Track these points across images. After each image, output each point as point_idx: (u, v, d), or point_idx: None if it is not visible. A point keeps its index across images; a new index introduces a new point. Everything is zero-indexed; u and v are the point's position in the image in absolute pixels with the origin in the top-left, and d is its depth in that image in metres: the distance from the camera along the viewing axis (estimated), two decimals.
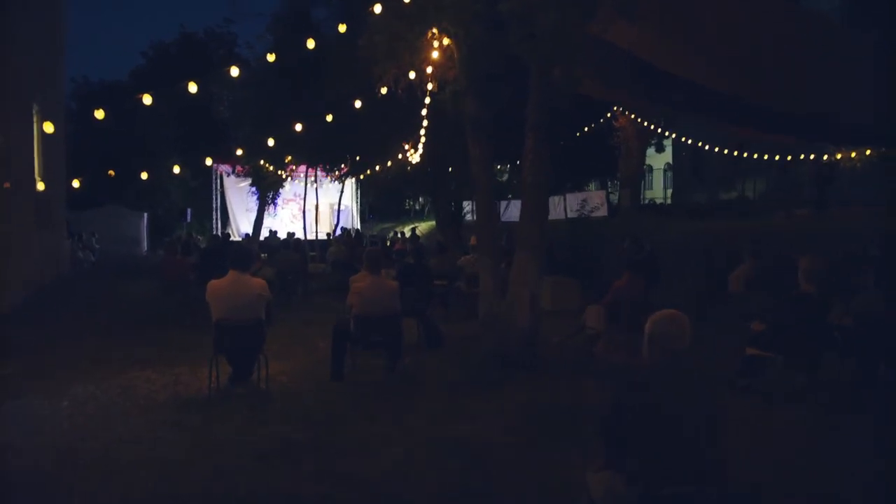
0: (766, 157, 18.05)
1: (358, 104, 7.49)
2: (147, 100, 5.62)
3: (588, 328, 6.61)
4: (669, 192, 40.32)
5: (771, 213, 20.21)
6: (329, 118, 7.82)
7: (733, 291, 9.69)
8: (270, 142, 8.16)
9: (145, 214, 30.31)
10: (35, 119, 14.13)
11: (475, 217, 6.91)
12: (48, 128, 6.04)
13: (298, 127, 7.86)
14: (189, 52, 35.55)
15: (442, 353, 7.58)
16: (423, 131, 10.13)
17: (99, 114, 5.23)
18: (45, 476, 4.24)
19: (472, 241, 10.52)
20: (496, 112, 7.09)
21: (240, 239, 26.83)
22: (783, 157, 18.29)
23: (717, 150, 20.35)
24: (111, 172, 10.62)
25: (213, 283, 5.61)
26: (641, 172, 26.12)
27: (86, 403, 5.76)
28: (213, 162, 27.53)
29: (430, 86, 8.37)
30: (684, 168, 39.25)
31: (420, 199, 42.98)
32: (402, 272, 7.53)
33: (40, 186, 14.12)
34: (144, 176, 7.61)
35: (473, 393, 5.98)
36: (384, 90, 7.59)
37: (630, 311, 6.29)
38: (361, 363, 6.79)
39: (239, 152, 8.17)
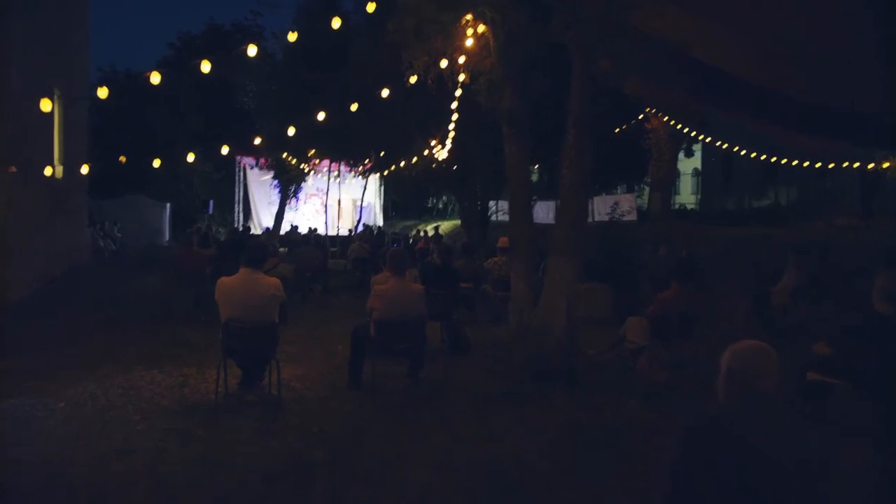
0: (805, 163, 17.32)
1: (385, 93, 7.00)
2: (155, 78, 5.18)
3: (629, 341, 6.06)
4: (697, 197, 39.46)
5: (809, 221, 19.44)
6: (354, 107, 7.34)
7: (778, 303, 9.08)
8: (291, 131, 7.68)
9: (168, 205, 30.17)
10: (56, 104, 13.87)
11: (509, 218, 6.37)
12: (45, 105, 5.57)
13: (322, 115, 7.39)
14: (216, 43, 35.45)
15: (469, 361, 7.07)
16: (451, 125, 9.62)
17: (102, 92, 4.80)
18: (23, 497, 3.79)
19: (501, 242, 9.97)
20: (533, 106, 6.56)
21: (261, 232, 26.61)
22: (825, 164, 17.56)
23: (752, 155, 19.60)
24: (122, 159, 10.21)
25: (224, 281, 5.16)
26: (673, 177, 25.29)
27: (83, 406, 5.34)
28: (234, 153, 27.39)
29: (461, 76, 7.86)
30: (714, 174, 38.40)
31: (443, 198, 42.47)
32: (427, 274, 7.03)
33: (58, 173, 13.87)
34: (157, 163, 7.16)
35: (505, 408, 5.46)
36: (413, 79, 7.09)
37: (677, 325, 5.74)
38: (382, 370, 6.30)
39: (257, 140, 7.70)
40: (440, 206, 43.75)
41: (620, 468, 4.42)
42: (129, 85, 34.02)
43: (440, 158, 12.49)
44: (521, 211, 6.30)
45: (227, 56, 18.35)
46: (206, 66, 5.33)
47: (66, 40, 14.87)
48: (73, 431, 4.74)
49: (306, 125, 15.05)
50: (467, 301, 8.97)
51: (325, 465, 4.32)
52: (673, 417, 5.35)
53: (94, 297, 11.55)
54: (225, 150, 7.18)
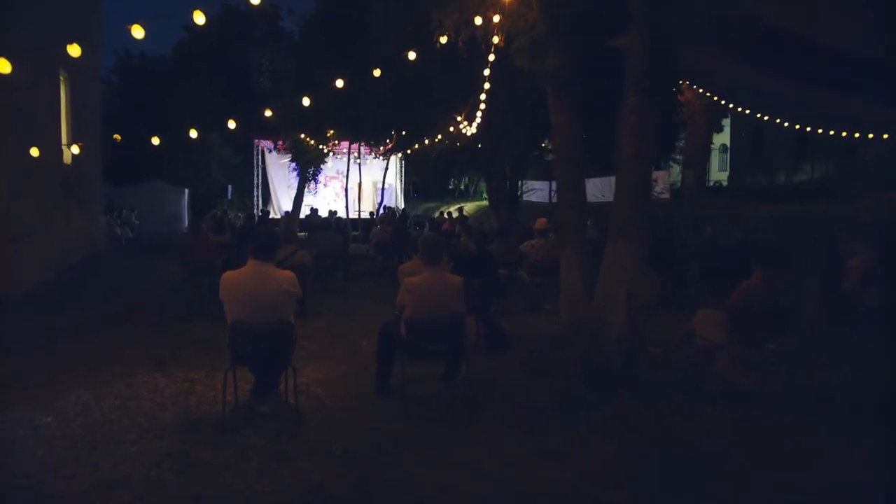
0: (843, 133, 16.25)
1: (411, 55, 6.15)
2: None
3: (701, 339, 5.21)
4: (725, 174, 38.16)
5: (853, 196, 18.29)
6: (377, 72, 6.51)
7: (848, 288, 8.11)
8: (306, 101, 6.86)
9: (186, 191, 29.63)
10: (62, 87, 13.21)
11: (557, 198, 5.51)
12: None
13: (340, 83, 6.56)
14: (232, 25, 34.74)
15: (510, 360, 6.26)
16: (482, 96, 8.74)
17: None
18: None
19: (538, 224, 9.11)
20: (582, 67, 5.66)
21: (280, 216, 25.96)
22: (864, 133, 16.51)
23: (786, 125, 18.45)
24: (117, 137, 9.49)
25: (229, 276, 4.38)
26: (708, 152, 24.10)
27: (74, 420, 4.63)
28: (252, 135, 26.73)
29: (495, 39, 6.97)
30: (744, 149, 37.04)
31: (465, 179, 41.50)
32: (460, 261, 6.20)
33: (66, 158, 13.24)
34: (156, 141, 6.39)
35: (561, 421, 4.65)
36: (443, 39, 6.23)
37: (762, 319, 4.86)
38: (413, 371, 5.50)
39: (268, 113, 6.90)
40: (462, 187, 42.81)
41: (710, 497, 3.62)
42: (144, 69, 33.56)
43: (468, 135, 11.59)
44: (572, 190, 5.42)
45: (249, 46, 17.71)
46: (199, 18, 4.51)
47: (73, 21, 14.14)
48: (55, 456, 4.02)
49: (324, 102, 14.29)
50: (501, 288, 8.14)
51: (348, 495, 3.57)
52: (764, 430, 4.51)
53: (104, 287, 10.93)
54: (232, 124, 6.37)
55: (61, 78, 12.99)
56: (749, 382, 4.79)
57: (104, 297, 9.88)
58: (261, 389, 5.08)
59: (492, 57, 7.33)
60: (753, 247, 6.11)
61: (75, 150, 5.67)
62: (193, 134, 6.25)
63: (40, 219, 11.11)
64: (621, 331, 4.98)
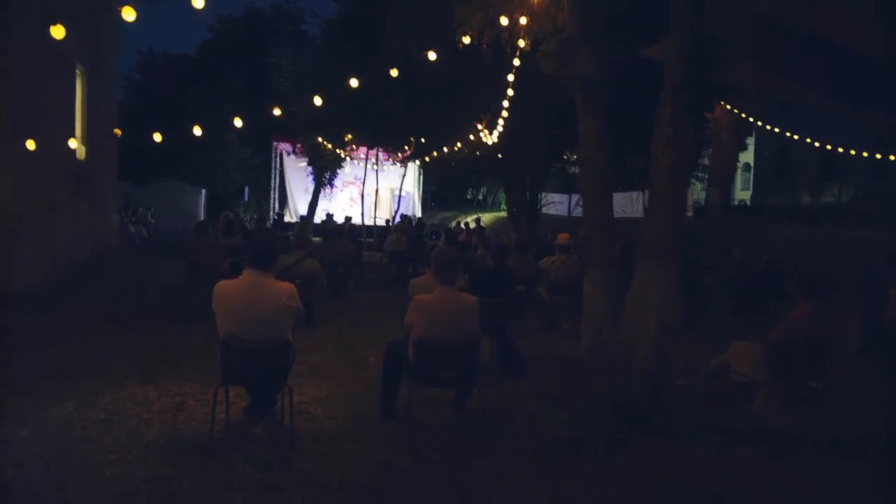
0: (876, 155, 15.74)
1: (432, 55, 5.78)
2: (129, 15, 4.05)
3: (736, 373, 4.75)
4: (748, 193, 37.53)
5: (885, 218, 17.68)
6: (394, 72, 6.14)
7: (892, 318, 7.58)
8: (318, 100, 6.52)
9: (203, 191, 29.55)
10: (78, 81, 13.02)
11: (583, 212, 5.09)
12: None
13: (355, 83, 6.20)
14: (255, 26, 34.79)
15: (526, 385, 5.83)
16: (505, 102, 8.35)
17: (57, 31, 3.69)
18: None
19: (560, 239, 8.69)
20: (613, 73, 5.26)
21: (295, 220, 25.72)
22: (888, 154, 16.01)
23: (816, 144, 17.91)
24: (117, 131, 9.21)
25: (223, 287, 4.00)
26: (733, 170, 23.51)
27: (50, 437, 4.27)
28: (271, 138, 26.56)
29: (521, 43, 6.58)
30: (768, 168, 36.41)
31: (482, 189, 41.14)
32: (477, 277, 5.80)
33: (80, 153, 13.03)
34: (158, 138, 6.07)
35: (579, 459, 4.21)
36: (467, 40, 5.86)
37: (808, 355, 4.40)
38: (420, 394, 5.09)
39: (277, 112, 6.55)
40: (480, 197, 42.43)
41: None
42: (168, 67, 33.62)
43: (489, 144, 11.19)
44: (599, 202, 5.00)
45: (272, 47, 17.52)
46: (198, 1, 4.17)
47: (90, 13, 13.96)
48: (24, 480, 3.66)
49: (343, 105, 13.99)
50: (519, 307, 7.72)
51: None
52: (806, 477, 4.04)
53: (109, 287, 10.64)
54: (238, 122, 6.04)
55: (77, 72, 12.79)
56: (789, 424, 4.32)
57: (106, 297, 9.57)
58: (255, 408, 4.71)
59: (517, 62, 6.94)
60: (801, 274, 5.62)
61: (72, 143, 5.35)
62: (198, 132, 5.90)
63: (47, 215, 10.87)
64: (649, 361, 4.54)
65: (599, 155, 5.03)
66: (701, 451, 4.41)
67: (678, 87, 4.56)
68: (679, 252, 4.72)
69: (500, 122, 9.00)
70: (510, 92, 7.91)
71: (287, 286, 4.06)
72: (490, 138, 11.11)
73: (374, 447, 4.37)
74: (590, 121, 5.05)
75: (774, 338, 4.50)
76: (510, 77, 7.49)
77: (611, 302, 4.85)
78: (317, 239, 20.30)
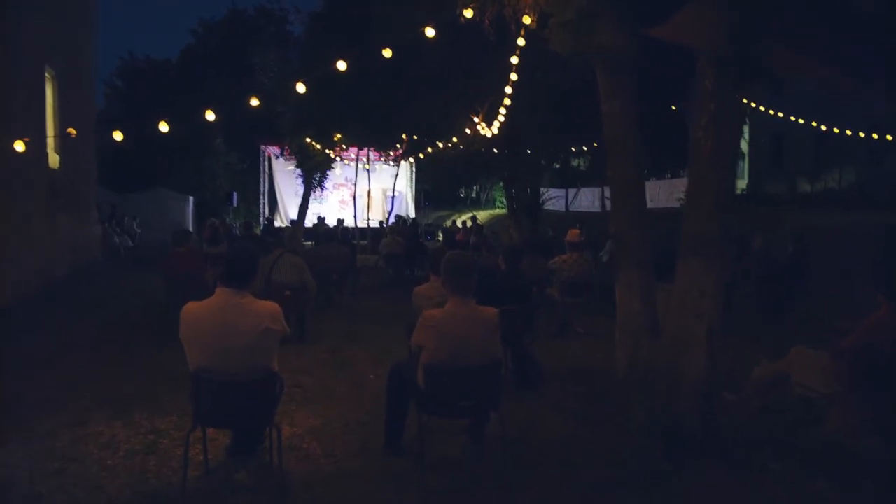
0: (874, 135, 15.31)
1: (430, 32, 5.09)
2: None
3: (799, 385, 4.09)
4: (743, 181, 37.12)
5: (889, 206, 17.16)
6: (387, 53, 5.45)
7: None
8: (301, 88, 5.82)
9: (190, 198, 28.73)
10: (48, 86, 12.25)
11: (611, 205, 4.41)
12: None
13: (342, 65, 5.51)
14: (238, 29, 34.05)
15: (548, 402, 5.15)
16: (508, 89, 7.65)
17: None
18: None
19: (570, 235, 8.02)
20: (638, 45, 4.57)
21: (286, 225, 24.95)
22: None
23: (813, 123, 17.37)
24: (71, 131, 8.47)
25: (191, 310, 3.28)
26: (738, 158, 22.83)
27: None
28: (259, 141, 25.80)
29: (526, 19, 5.89)
30: (763, 155, 35.94)
31: (475, 187, 40.48)
32: (489, 284, 5.10)
33: (53, 162, 12.27)
34: (118, 137, 5.35)
35: (624, 496, 3.53)
36: (468, 13, 5.18)
37: (893, 365, 3.73)
38: (431, 422, 4.40)
39: (254, 102, 5.84)
40: (473, 194, 41.74)
41: None
42: (149, 73, 32.76)
43: (488, 136, 10.50)
44: (631, 193, 4.31)
45: (255, 50, 16.81)
46: None
47: (62, 17, 13.19)
48: None
49: (331, 101, 13.27)
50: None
51: None
52: None
53: (86, 303, 9.89)
54: (209, 115, 5.32)
55: (47, 75, 12.02)
56: (871, 448, 3.65)
57: (81, 314, 8.84)
58: (238, 449, 4.00)
59: (521, 41, 6.26)
60: (877, 269, 4.95)
61: (18, 145, 4.64)
62: (164, 128, 5.19)
63: (20, 228, 10.12)
64: (700, 377, 3.87)
65: (628, 138, 4.34)
66: (764, 481, 3.73)
67: (720, 56, 3.88)
68: (726, 247, 4.06)
69: (503, 110, 8.30)
70: (513, 76, 7.22)
71: (269, 306, 3.35)
72: (488, 130, 10.41)
73: (381, 489, 3.69)
74: (615, 101, 4.37)
75: (850, 345, 3.84)
76: (514, 59, 6.80)
77: (648, 308, 4.18)
78: (308, 243, 19.58)
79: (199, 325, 3.23)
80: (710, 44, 4.00)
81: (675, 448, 3.77)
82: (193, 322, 3.24)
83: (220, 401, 3.30)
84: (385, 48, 5.83)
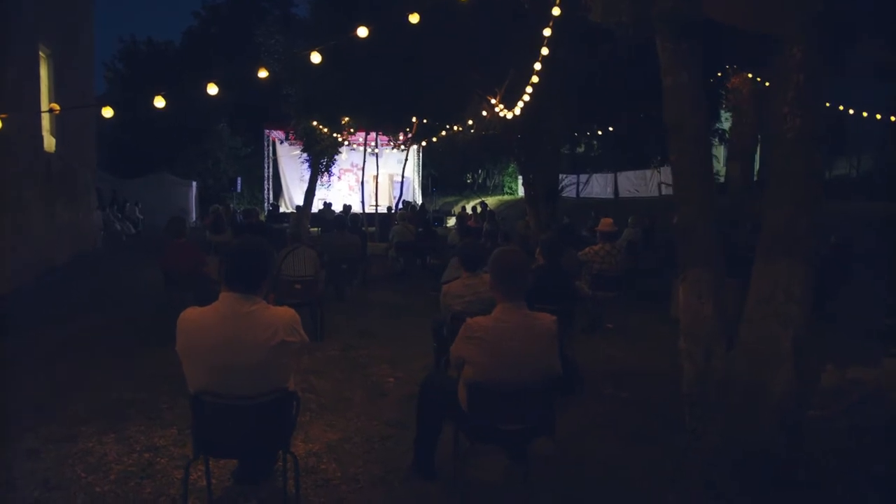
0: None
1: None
2: None
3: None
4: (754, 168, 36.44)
5: None
6: (414, 18, 4.86)
7: None
8: (317, 58, 5.22)
9: (194, 183, 28.18)
10: (42, 64, 11.65)
11: (674, 191, 3.83)
12: None
13: (364, 31, 4.92)
14: (241, 11, 33.33)
15: (594, 416, 4.60)
16: (538, 66, 7.02)
17: None
18: None
19: (603, 225, 7.45)
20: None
21: (291, 211, 24.40)
22: None
23: (851, 112, 16.74)
24: (54, 106, 7.89)
25: (189, 318, 2.70)
26: (755, 143, 22.10)
27: None
28: (263, 125, 25.20)
29: None
30: None
31: (479, 172, 39.81)
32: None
33: (48, 146, 11.70)
34: (108, 113, 4.77)
35: None
36: None
37: None
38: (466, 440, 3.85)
39: (263, 73, 5.24)
40: (480, 180, 41.09)
41: None
42: (151, 56, 32.09)
43: (507, 118, 9.87)
44: (698, 179, 3.71)
45: (259, 32, 16.21)
46: None
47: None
48: None
49: (337, 80, 12.67)
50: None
51: None
52: None
53: (83, 295, 9.36)
54: (212, 88, 4.74)
55: (41, 54, 11.41)
56: None
57: (77, 308, 8.29)
58: (245, 475, 3.45)
59: (556, 11, 5.64)
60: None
61: None
62: (160, 103, 4.64)
63: (15, 214, 9.58)
64: (786, 394, 3.31)
65: (695, 116, 3.75)
66: None
67: (805, 30, 3.28)
68: (815, 245, 3.48)
69: (529, 88, 7.67)
70: (545, 51, 6.60)
71: (284, 313, 2.77)
72: (508, 112, 9.79)
73: None
74: (681, 72, 3.76)
75: None
76: (546, 32, 6.17)
77: (720, 313, 3.63)
78: (315, 229, 19.00)
79: (200, 338, 2.66)
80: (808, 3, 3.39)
81: (760, 475, 3.21)
82: (193, 334, 2.67)
83: (225, 428, 2.74)
84: (412, 14, 5.24)
